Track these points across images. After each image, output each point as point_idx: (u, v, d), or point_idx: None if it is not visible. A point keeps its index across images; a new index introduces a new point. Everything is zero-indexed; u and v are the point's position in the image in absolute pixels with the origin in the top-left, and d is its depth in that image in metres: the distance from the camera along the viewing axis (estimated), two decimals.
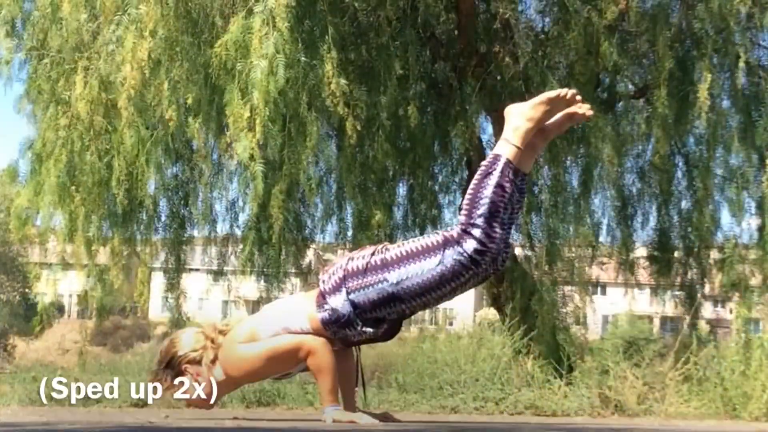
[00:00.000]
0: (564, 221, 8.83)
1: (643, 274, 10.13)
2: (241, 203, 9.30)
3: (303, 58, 6.39)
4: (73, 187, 7.69)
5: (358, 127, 6.99)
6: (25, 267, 39.20)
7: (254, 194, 6.90)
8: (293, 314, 3.27)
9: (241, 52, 6.25)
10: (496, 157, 3.26)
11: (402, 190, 9.18)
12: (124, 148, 7.28)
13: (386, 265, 3.20)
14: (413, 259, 3.19)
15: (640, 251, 10.08)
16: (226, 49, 6.29)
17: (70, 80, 7.38)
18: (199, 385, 3.37)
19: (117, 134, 7.27)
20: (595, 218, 9.45)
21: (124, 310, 42.62)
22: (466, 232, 3.18)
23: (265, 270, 8.84)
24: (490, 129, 9.35)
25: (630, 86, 9.08)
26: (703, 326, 9.46)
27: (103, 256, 8.53)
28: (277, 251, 8.60)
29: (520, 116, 3.33)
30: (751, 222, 8.80)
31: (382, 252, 3.25)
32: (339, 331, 3.23)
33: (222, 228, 9.65)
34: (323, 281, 3.27)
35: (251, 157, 6.33)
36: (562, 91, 3.37)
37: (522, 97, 8.26)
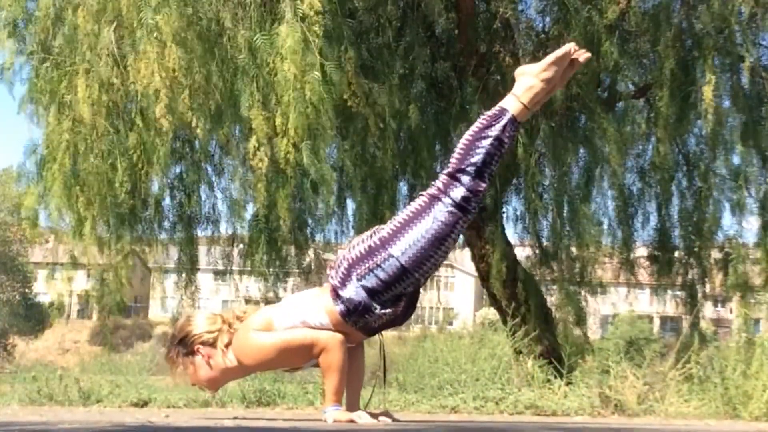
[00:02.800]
0: (565, 221, 8.82)
1: (643, 274, 10.13)
2: (243, 203, 9.31)
3: (320, 59, 6.39)
4: (78, 188, 7.69)
5: (382, 125, 6.99)
6: (25, 267, 39.31)
7: (282, 197, 6.94)
8: (312, 308, 3.26)
9: (277, 60, 6.27)
10: (502, 111, 3.33)
11: (403, 189, 9.19)
12: (130, 149, 7.27)
13: (386, 242, 3.23)
14: (409, 227, 3.23)
15: (641, 251, 10.08)
16: (280, 56, 6.29)
17: (73, 83, 7.38)
18: (210, 367, 3.37)
19: (119, 136, 7.26)
20: (596, 218, 9.44)
21: (125, 310, 42.66)
22: (454, 178, 3.25)
23: (268, 270, 8.85)
24: None
25: (631, 86, 9.08)
26: (704, 326, 9.45)
27: (109, 256, 8.54)
28: (280, 251, 8.61)
29: (533, 77, 3.38)
30: (752, 222, 8.80)
31: (377, 232, 3.28)
32: (359, 320, 3.23)
33: (225, 228, 9.66)
34: (331, 276, 3.28)
35: (287, 162, 6.37)
36: (568, 47, 3.41)
37: None
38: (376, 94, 6.91)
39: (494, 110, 3.35)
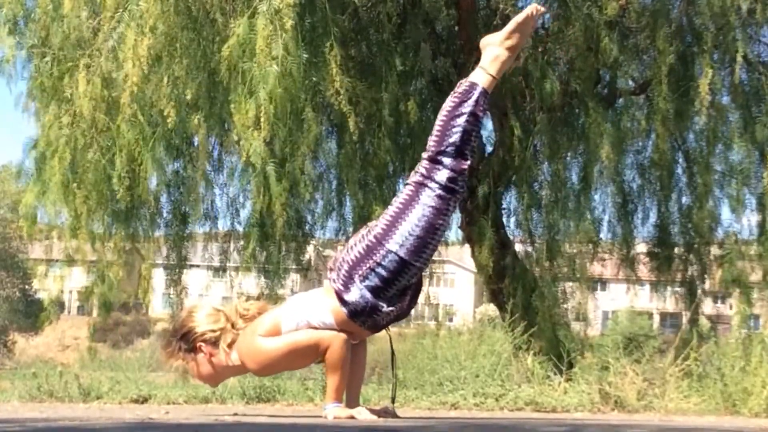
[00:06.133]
0: (564, 217, 8.83)
1: (643, 270, 10.13)
2: (241, 200, 9.32)
3: (305, 56, 6.38)
4: (76, 185, 7.69)
5: (361, 125, 6.98)
6: (24, 263, 39.26)
7: (260, 192, 6.91)
8: (317, 309, 3.26)
9: (248, 53, 6.26)
10: (473, 86, 3.34)
11: (402, 185, 9.17)
12: (126, 145, 7.27)
13: (382, 238, 3.22)
14: (401, 218, 3.22)
15: (641, 247, 10.08)
16: (232, 50, 6.29)
17: (73, 78, 7.37)
18: (212, 365, 3.36)
19: (119, 131, 7.25)
20: (595, 214, 9.45)
21: (125, 307, 42.68)
22: (435, 162, 3.25)
23: (265, 266, 8.86)
24: (489, 125, 9.34)
25: (630, 82, 9.07)
26: (704, 322, 9.46)
27: (105, 252, 8.53)
28: (278, 247, 8.61)
29: (498, 46, 3.39)
30: (751, 218, 8.81)
31: (372, 230, 3.27)
32: (367, 320, 3.23)
33: (223, 224, 9.66)
34: (333, 280, 3.27)
35: (262, 159, 6.36)
36: (529, 10, 3.41)
37: (522, 93, 8.31)
38: (360, 93, 6.88)
39: (464, 86, 3.34)
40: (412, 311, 3.45)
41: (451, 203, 3.24)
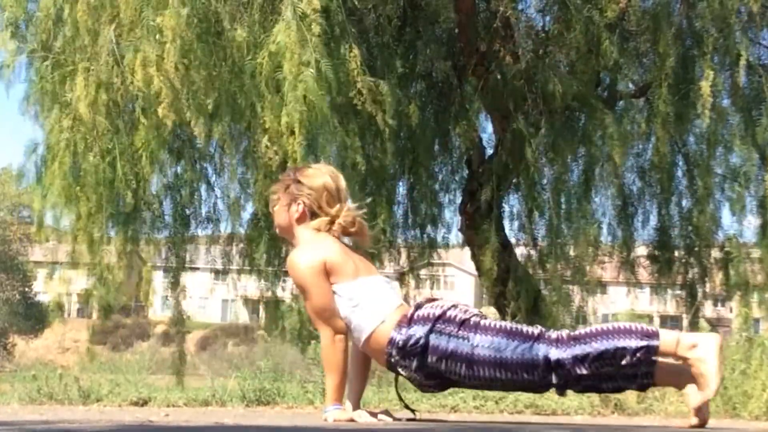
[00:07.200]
0: (567, 220, 8.82)
1: (643, 273, 10.12)
2: (242, 202, 9.32)
3: (315, 57, 6.39)
4: (77, 188, 7.69)
5: (390, 122, 6.96)
6: (24, 266, 39.27)
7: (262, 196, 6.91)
8: (372, 311, 3.21)
9: (279, 59, 6.28)
10: (652, 335, 3.10)
11: (402, 188, 9.19)
12: (142, 146, 7.25)
13: (477, 328, 3.15)
14: (503, 335, 3.14)
15: (641, 250, 10.07)
16: (269, 58, 6.30)
17: (73, 82, 7.37)
18: (289, 218, 3.38)
19: (118, 135, 7.23)
20: (596, 217, 9.44)
21: (125, 309, 42.69)
22: (562, 343, 3.12)
23: (266, 269, 8.86)
24: (490, 128, 9.35)
25: (631, 85, 9.07)
26: (704, 325, 9.44)
27: (106, 255, 8.54)
28: (277, 250, 8.61)
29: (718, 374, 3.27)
30: (752, 221, 8.80)
31: (480, 316, 3.22)
32: (397, 358, 3.17)
33: (224, 227, 9.66)
34: (418, 306, 3.22)
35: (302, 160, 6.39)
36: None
37: (523, 96, 8.30)
38: (382, 91, 6.88)
39: (649, 327, 3.15)
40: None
41: (533, 374, 3.10)
